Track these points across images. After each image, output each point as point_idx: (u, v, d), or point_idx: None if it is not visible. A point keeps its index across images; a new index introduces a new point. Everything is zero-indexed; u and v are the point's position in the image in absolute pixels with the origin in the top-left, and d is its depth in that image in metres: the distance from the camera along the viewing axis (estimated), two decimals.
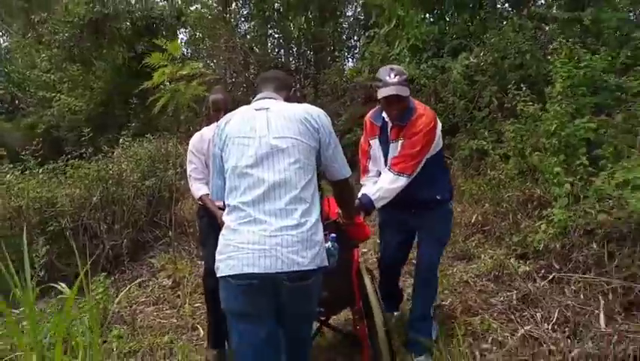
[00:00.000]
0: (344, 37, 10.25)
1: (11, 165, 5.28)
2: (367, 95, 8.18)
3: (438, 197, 2.71)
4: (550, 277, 3.04)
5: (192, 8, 14.66)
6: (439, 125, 2.63)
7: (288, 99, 2.04)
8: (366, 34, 8.14)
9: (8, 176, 4.81)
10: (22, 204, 4.55)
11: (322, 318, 2.74)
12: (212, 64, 12.01)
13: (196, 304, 4.24)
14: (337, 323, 3.14)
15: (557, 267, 3.11)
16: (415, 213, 2.73)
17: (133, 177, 5.22)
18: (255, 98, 2.01)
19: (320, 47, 10.37)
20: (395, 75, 2.48)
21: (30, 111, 15.00)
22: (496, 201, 4.35)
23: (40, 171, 5.09)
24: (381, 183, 2.57)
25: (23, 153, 5.25)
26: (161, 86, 4.84)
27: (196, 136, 3.16)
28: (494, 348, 2.61)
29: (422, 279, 2.76)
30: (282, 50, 11.12)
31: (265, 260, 1.68)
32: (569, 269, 2.99)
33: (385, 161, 2.68)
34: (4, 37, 20.33)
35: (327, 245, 2.01)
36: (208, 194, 2.91)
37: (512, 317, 2.91)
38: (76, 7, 13.20)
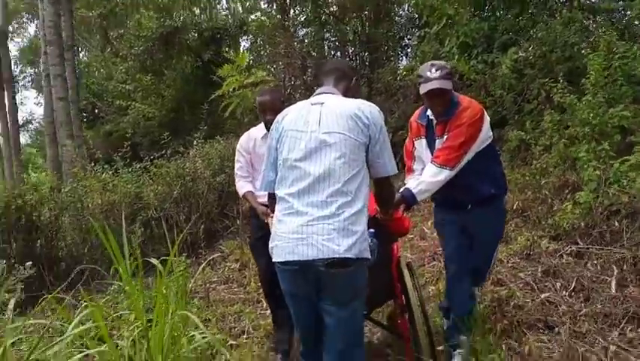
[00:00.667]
0: (397, 37, 10.67)
1: (105, 166, 6.33)
2: (419, 93, 8.62)
3: (493, 191, 2.69)
4: (570, 251, 3.42)
5: (253, 17, 15.74)
6: (487, 118, 2.63)
7: (347, 90, 2.13)
8: (418, 33, 8.54)
9: (104, 175, 5.82)
10: (115, 199, 5.50)
11: (364, 312, 2.74)
12: (272, 69, 12.89)
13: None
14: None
15: (580, 243, 3.48)
16: (469, 210, 2.71)
17: (206, 174, 6.05)
18: (315, 93, 2.12)
19: (374, 47, 10.86)
20: (436, 70, 2.50)
21: (108, 119, 16.65)
22: (535, 188, 4.70)
23: (129, 170, 6.06)
24: (423, 177, 2.57)
25: (115, 155, 6.25)
26: (230, 93, 5.58)
27: (244, 136, 3.29)
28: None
29: (475, 275, 2.80)
30: (338, 53, 11.73)
31: (303, 248, 1.83)
32: (589, 243, 3.36)
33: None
34: (84, 53, 22.53)
35: None
36: (252, 192, 3.13)
37: (535, 286, 3.33)
38: (149, 22, 14.63)
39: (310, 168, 1.89)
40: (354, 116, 1.91)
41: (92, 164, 6.62)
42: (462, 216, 2.73)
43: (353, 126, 1.90)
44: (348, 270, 1.83)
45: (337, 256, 1.79)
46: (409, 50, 10.30)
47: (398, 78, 9.04)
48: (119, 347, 2.55)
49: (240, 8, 17.35)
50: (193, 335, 3.01)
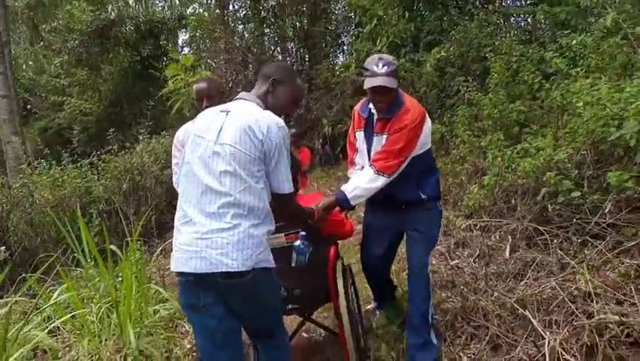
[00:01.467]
0: (334, 34, 11.24)
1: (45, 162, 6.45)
2: (355, 88, 9.22)
3: (423, 196, 2.68)
4: (478, 225, 4.12)
5: (190, 10, 15.76)
6: (428, 122, 2.60)
7: (267, 94, 2.08)
8: (353, 32, 9.14)
9: (52, 171, 5.98)
10: (65, 193, 5.70)
11: (306, 313, 2.82)
12: (213, 63, 13.11)
13: None
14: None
15: (485, 218, 4.18)
16: (402, 212, 2.73)
17: (153, 168, 6.34)
18: (234, 97, 2.11)
19: (313, 44, 11.39)
20: (383, 65, 2.42)
21: (42, 115, 16.17)
22: (454, 174, 5.41)
23: (76, 166, 6.25)
24: (359, 181, 2.54)
25: (52, 150, 6.38)
26: (176, 91, 5.90)
27: (180, 130, 3.20)
28: None
29: (413, 282, 2.74)
30: (278, 48, 12.16)
31: (195, 261, 1.79)
32: (491, 217, 4.07)
33: (369, 155, 2.66)
34: (12, 46, 21.50)
35: (296, 244, 2.21)
36: None
37: (447, 255, 3.99)
38: (82, 14, 14.33)
39: (203, 177, 1.86)
40: (248, 130, 1.86)
41: (37, 160, 6.72)
42: (393, 220, 2.77)
43: (245, 140, 1.85)
44: (246, 278, 1.81)
45: (231, 270, 1.77)
46: (345, 47, 10.87)
47: (336, 75, 9.58)
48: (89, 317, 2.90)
49: (177, 1, 17.28)
50: (157, 308, 3.43)
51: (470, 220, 4.48)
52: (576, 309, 2.48)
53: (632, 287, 2.44)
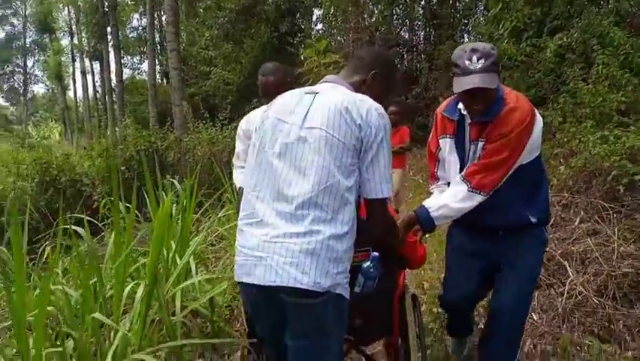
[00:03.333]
0: (460, 17, 11.73)
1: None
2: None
3: (532, 220, 2.13)
4: (561, 201, 4.76)
5: None
6: (539, 121, 2.06)
7: (362, 84, 1.77)
8: (477, 15, 9.64)
9: (209, 130, 7.69)
10: (219, 148, 7.34)
11: (360, 347, 2.38)
12: (342, 40, 14.33)
13: None
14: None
15: (566, 194, 4.82)
16: (501, 238, 2.19)
17: None
18: (320, 81, 1.81)
19: (439, 24, 12.01)
20: (479, 58, 1.92)
21: (192, 82, 18.81)
22: (552, 156, 5.97)
23: (228, 128, 7.92)
24: (447, 199, 2.10)
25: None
26: (310, 71, 7.11)
27: (244, 119, 3.01)
28: None
29: (502, 334, 2.19)
30: (405, 28, 12.96)
31: (260, 270, 1.52)
32: (571, 194, 4.69)
33: (461, 169, 2.16)
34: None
35: (365, 265, 1.82)
36: None
37: None
38: None
39: (282, 168, 1.58)
40: (344, 112, 1.56)
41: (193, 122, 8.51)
42: (488, 245, 2.23)
43: (340, 124, 1.55)
44: (316, 301, 1.50)
45: (299, 286, 1.47)
46: (470, 30, 11.31)
47: None
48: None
49: None
50: None
51: (552, 197, 5.12)
52: (604, 263, 3.21)
53: None
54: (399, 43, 12.48)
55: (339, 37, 14.75)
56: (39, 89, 49.40)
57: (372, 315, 1.87)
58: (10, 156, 6.91)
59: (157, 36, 18.27)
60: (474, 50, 1.95)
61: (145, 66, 31.13)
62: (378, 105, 1.62)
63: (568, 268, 3.31)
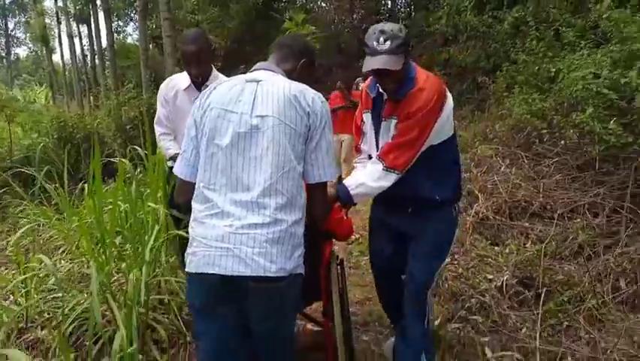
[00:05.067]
0: None
1: None
2: (444, 39, 10.79)
3: (437, 197, 2.27)
4: None
5: None
6: (449, 101, 2.17)
7: (292, 71, 1.84)
8: None
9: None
10: None
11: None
12: (324, 5, 15.14)
13: None
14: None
15: None
16: (410, 215, 2.33)
17: None
18: (252, 68, 1.83)
19: None
20: (386, 39, 2.02)
21: (178, 47, 19.43)
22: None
23: None
24: (364, 177, 2.20)
25: None
26: None
27: (165, 82, 2.96)
28: None
29: (410, 307, 2.38)
30: None
31: (227, 260, 1.54)
32: None
33: (377, 143, 2.32)
34: None
35: None
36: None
37: None
38: None
39: (237, 157, 1.61)
40: (294, 100, 1.63)
41: None
42: (398, 219, 2.39)
43: (291, 111, 1.62)
44: (281, 284, 1.58)
45: (269, 275, 1.54)
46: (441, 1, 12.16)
47: (428, 24, 11.16)
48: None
49: None
50: None
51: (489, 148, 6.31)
52: (504, 194, 4.41)
53: None
54: (378, 11, 13.37)
55: (322, 4, 15.51)
56: (21, 51, 49.08)
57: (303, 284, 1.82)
58: (30, 116, 7.76)
59: None
60: (382, 32, 2.04)
61: (129, 29, 31.42)
62: (319, 93, 1.72)
63: (480, 197, 4.50)
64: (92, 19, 18.64)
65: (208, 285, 1.62)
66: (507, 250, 3.69)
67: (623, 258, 3.13)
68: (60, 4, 22.89)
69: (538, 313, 2.78)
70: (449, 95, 2.18)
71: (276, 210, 1.58)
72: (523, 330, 2.79)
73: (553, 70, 5.22)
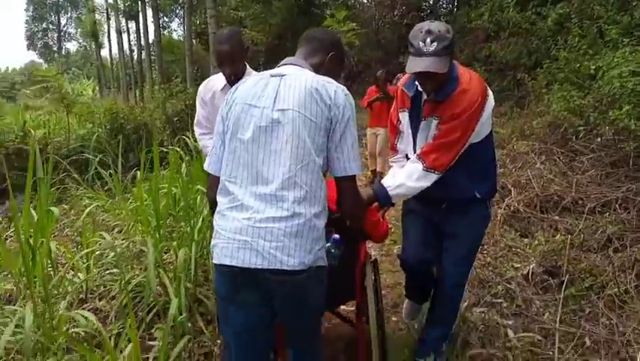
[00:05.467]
0: None
1: None
2: (486, 35, 10.79)
3: (477, 195, 2.30)
4: None
5: None
6: (490, 101, 2.18)
7: (321, 65, 1.84)
8: None
9: None
10: None
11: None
12: (366, 2, 15.29)
13: None
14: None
15: None
16: (445, 210, 2.37)
17: None
18: (280, 63, 1.84)
19: None
20: (432, 41, 1.99)
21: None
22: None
23: None
24: (404, 178, 2.20)
25: None
26: None
27: (203, 84, 3.05)
28: None
29: (440, 301, 2.47)
30: None
31: (245, 253, 1.59)
32: None
33: (414, 142, 2.31)
34: None
35: (327, 245, 1.87)
36: None
37: None
38: None
39: (258, 151, 1.63)
40: (315, 93, 1.64)
41: None
42: (434, 213, 2.42)
43: (311, 104, 1.63)
44: (300, 277, 1.61)
45: (286, 268, 1.57)
46: None
47: (470, 20, 11.18)
48: None
49: None
50: None
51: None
52: (536, 187, 4.52)
53: None
54: (420, 7, 13.43)
55: (364, 0, 15.65)
56: (71, 46, 51.32)
57: (334, 284, 1.85)
58: (85, 107, 8.33)
59: None
60: (429, 32, 2.01)
61: (174, 24, 32.36)
62: (343, 86, 1.71)
63: (512, 191, 4.63)
64: (141, 16, 19.40)
65: (228, 275, 1.67)
66: (536, 242, 3.82)
67: None
68: (110, 0, 23.85)
69: (560, 298, 2.93)
70: (490, 94, 2.17)
71: (294, 203, 1.58)
72: (546, 315, 2.94)
73: (593, 67, 5.24)
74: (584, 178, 4.52)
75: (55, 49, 43.66)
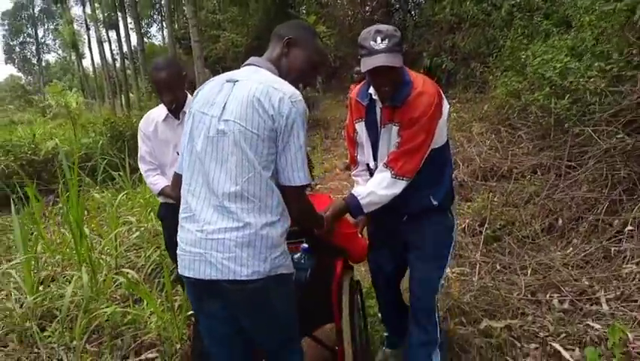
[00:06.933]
0: None
1: None
2: (450, 26, 11.74)
3: (435, 203, 2.27)
4: None
5: None
6: (446, 105, 2.21)
7: (281, 57, 1.80)
8: None
9: None
10: None
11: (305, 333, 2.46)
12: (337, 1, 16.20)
13: None
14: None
15: None
16: (406, 222, 2.35)
17: None
18: (244, 63, 1.83)
19: None
20: (383, 39, 2.03)
21: (203, 46, 20.85)
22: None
23: None
24: (374, 186, 2.19)
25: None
26: None
27: (144, 118, 3.00)
28: None
29: (415, 316, 2.35)
30: None
31: (200, 265, 1.62)
32: None
33: (374, 151, 2.31)
34: None
35: (296, 256, 1.90)
36: (169, 185, 2.81)
37: None
38: None
39: (208, 162, 1.64)
40: (257, 103, 1.59)
41: None
42: (396, 229, 2.41)
43: (252, 115, 1.59)
44: (257, 285, 1.60)
45: (239, 278, 1.58)
46: None
47: (434, 14, 12.13)
48: None
49: None
50: None
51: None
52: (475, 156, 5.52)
53: None
54: (387, 2, 14.40)
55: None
56: (50, 57, 51.76)
57: (310, 304, 1.83)
58: (85, 118, 9.09)
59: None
60: (378, 32, 2.05)
61: (153, 30, 33.00)
62: (293, 92, 1.64)
63: (460, 165, 5.64)
64: (121, 24, 20.20)
65: (191, 286, 1.73)
66: (475, 204, 4.82)
67: (556, 202, 4.24)
68: (88, 11, 24.58)
69: (481, 239, 3.94)
70: (444, 98, 2.22)
71: (244, 213, 1.59)
72: (471, 250, 3.95)
73: (524, 56, 6.24)
74: (519, 150, 5.53)
75: (34, 61, 44.23)
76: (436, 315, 2.35)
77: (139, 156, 2.98)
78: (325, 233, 2.09)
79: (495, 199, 4.74)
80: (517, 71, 6.99)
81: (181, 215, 1.72)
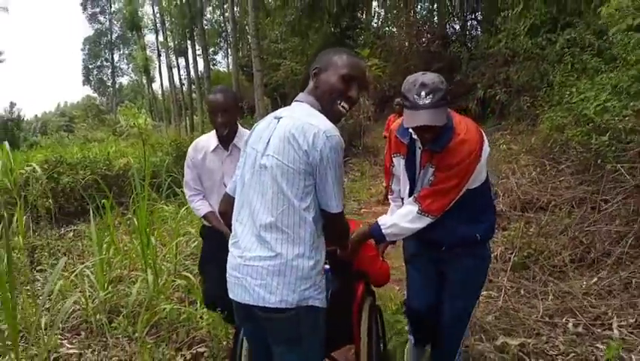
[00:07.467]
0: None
1: None
2: (504, 60, 11.92)
3: (478, 236, 2.33)
4: None
5: None
6: (486, 149, 2.20)
7: (313, 89, 1.86)
8: (502, 14, 11.70)
9: None
10: None
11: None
12: (395, 31, 16.71)
13: None
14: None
15: None
16: (445, 253, 2.39)
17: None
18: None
19: (477, 18, 14.16)
20: (427, 94, 2.03)
21: (264, 73, 21.86)
22: None
23: None
24: (398, 218, 2.27)
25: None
26: None
27: (192, 145, 3.05)
28: None
29: (442, 346, 2.53)
30: (447, 24, 15.18)
31: (239, 289, 1.77)
32: None
33: (411, 189, 2.36)
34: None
35: None
36: (213, 212, 2.88)
37: None
38: None
39: (252, 193, 1.78)
40: (292, 139, 1.69)
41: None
42: (435, 255, 2.45)
43: (288, 150, 1.69)
44: (285, 315, 1.71)
45: (268, 305, 1.69)
46: (498, 25, 13.12)
47: (489, 46, 12.34)
48: None
49: None
50: None
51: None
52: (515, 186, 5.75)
53: None
54: (443, 35, 14.76)
55: (393, 29, 17.10)
56: (123, 80, 55.60)
57: (330, 325, 1.88)
58: (154, 139, 9.96)
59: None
60: (423, 85, 2.03)
61: (218, 57, 34.85)
62: (328, 128, 1.69)
63: (500, 196, 5.87)
64: (190, 52, 21.60)
65: (235, 307, 1.87)
66: (509, 233, 5.04)
67: (587, 234, 4.42)
68: (161, 39, 26.39)
69: (509, 266, 4.19)
70: (486, 141, 2.22)
71: (277, 244, 1.69)
72: (500, 277, 4.20)
73: (568, 93, 6.42)
74: (560, 183, 5.71)
75: (108, 83, 47.73)
76: (461, 341, 2.50)
77: (184, 181, 3.07)
78: (348, 254, 2.24)
79: (531, 230, 4.95)
80: (562, 106, 7.16)
81: (230, 240, 1.87)
